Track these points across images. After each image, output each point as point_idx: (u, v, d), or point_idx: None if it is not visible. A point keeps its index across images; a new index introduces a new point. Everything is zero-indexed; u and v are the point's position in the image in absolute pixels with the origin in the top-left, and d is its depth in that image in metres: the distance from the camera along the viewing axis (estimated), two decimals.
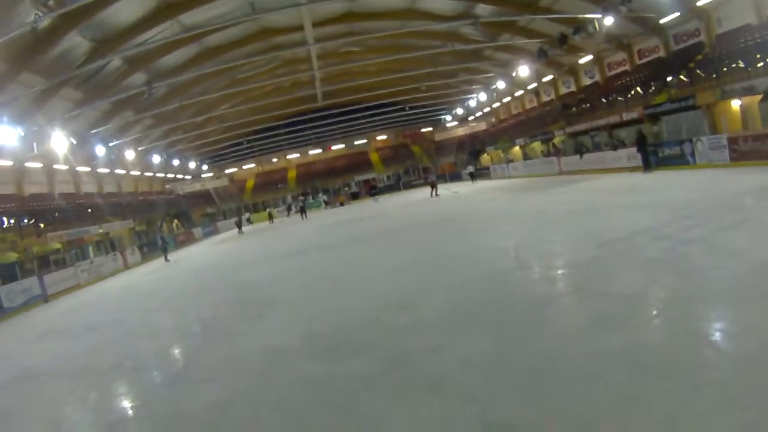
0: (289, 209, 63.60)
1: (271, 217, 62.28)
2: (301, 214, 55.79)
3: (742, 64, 29.92)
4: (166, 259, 35.66)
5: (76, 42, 32.56)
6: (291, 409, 6.32)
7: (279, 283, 16.13)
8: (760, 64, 28.67)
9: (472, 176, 55.95)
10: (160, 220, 63.06)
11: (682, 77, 35.13)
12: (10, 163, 42.36)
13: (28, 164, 44.61)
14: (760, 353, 5.26)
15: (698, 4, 36.10)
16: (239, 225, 54.52)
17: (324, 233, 31.10)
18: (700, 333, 6.21)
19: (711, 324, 6.58)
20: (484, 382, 5.86)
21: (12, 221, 38.69)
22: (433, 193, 43.88)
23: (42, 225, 41.15)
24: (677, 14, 38.04)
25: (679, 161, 26.93)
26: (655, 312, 7.19)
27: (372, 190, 50.61)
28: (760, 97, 28.36)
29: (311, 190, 79.38)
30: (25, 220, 40.26)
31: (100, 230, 47.97)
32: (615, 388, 5.13)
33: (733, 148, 23.37)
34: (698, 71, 33.88)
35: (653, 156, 28.92)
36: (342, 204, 67.81)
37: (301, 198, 68.95)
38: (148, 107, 45.34)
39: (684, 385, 4.95)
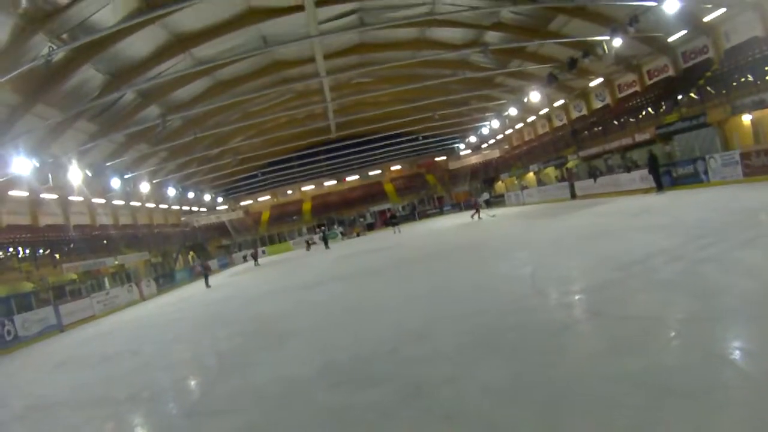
0: (308, 244, 62.86)
1: (308, 245, 61.79)
2: (325, 244, 55.70)
3: (751, 78, 29.95)
4: (207, 285, 35.53)
5: (90, 75, 32.92)
6: None
7: (296, 314, 16.05)
8: None
9: (488, 203, 55.64)
10: (176, 252, 63.16)
11: (692, 95, 35.21)
12: (25, 194, 42.84)
13: (44, 195, 45.11)
14: None
15: (705, 20, 36.41)
16: (255, 257, 54.52)
17: (341, 264, 31.05)
18: (719, 353, 6.12)
19: (729, 344, 6.48)
20: (502, 411, 5.82)
21: (27, 251, 38.90)
22: (476, 216, 43.69)
23: (57, 255, 41.36)
24: (685, 32, 38.40)
25: (693, 180, 26.97)
26: (672, 334, 7.11)
27: (391, 219, 50.18)
28: None
29: (327, 221, 79.29)
30: (41, 251, 40.48)
31: (116, 262, 48.13)
32: (634, 412, 5.06)
33: (746, 163, 23.41)
34: (708, 88, 33.99)
35: (667, 176, 28.89)
36: (358, 235, 67.93)
37: (323, 228, 68.95)
38: (162, 140, 45.76)
39: (704, 406, 4.90)
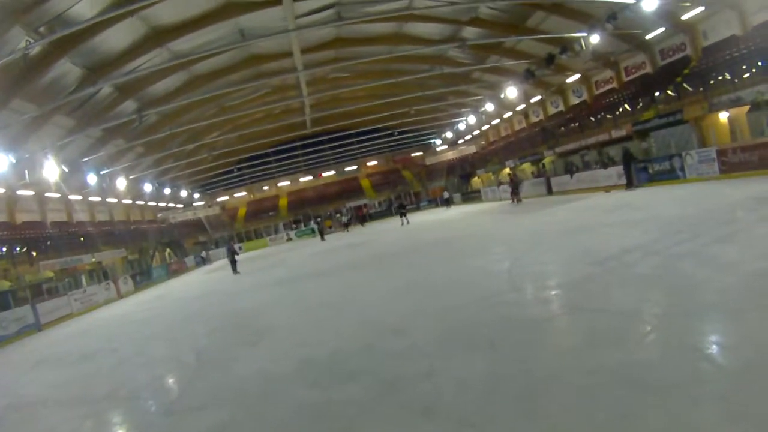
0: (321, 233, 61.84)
1: (321, 233, 58.02)
2: (321, 236, 55.34)
3: (728, 76, 30.08)
4: (234, 271, 34.33)
5: (68, 69, 32.62)
6: None
7: (273, 310, 16.13)
8: (746, 75, 28.90)
9: (447, 202, 55.38)
10: (152, 249, 62.86)
11: (669, 92, 35.30)
12: (2, 190, 42.40)
13: (20, 192, 44.64)
14: (757, 364, 5.29)
15: (683, 18, 36.46)
16: (232, 259, 52.67)
17: (317, 260, 31.02)
18: (696, 347, 6.20)
19: (706, 337, 6.60)
20: (479, 405, 5.86)
21: (4, 249, 38.53)
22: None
23: (34, 253, 40.94)
24: (663, 29, 38.43)
25: (670, 176, 27.12)
26: (649, 328, 7.21)
27: (400, 209, 49.40)
28: (747, 108, 28.46)
29: (303, 217, 79.18)
30: (18, 248, 40.06)
31: (93, 259, 47.78)
32: (611, 405, 5.14)
33: (723, 160, 23.57)
34: (685, 85, 34.06)
35: (643, 172, 29.03)
36: (330, 228, 67.44)
37: (318, 219, 68.48)
38: (138, 135, 45.43)
39: (681, 399, 4.97)
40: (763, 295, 7.26)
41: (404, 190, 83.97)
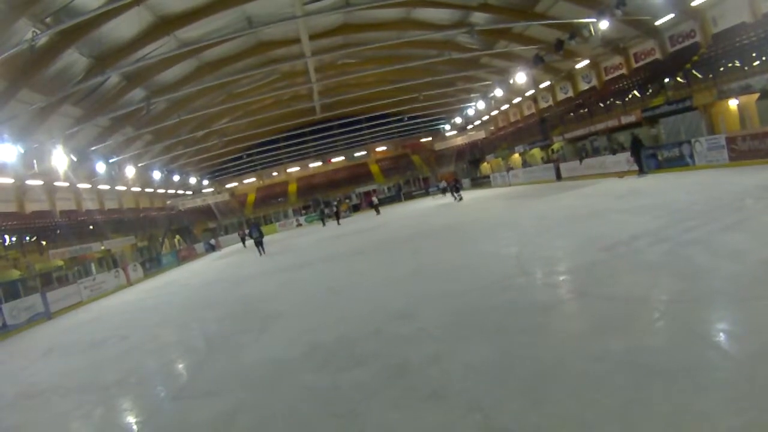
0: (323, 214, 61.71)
1: (338, 216, 58.39)
2: (337, 219, 55.61)
3: (738, 63, 30.01)
4: (261, 251, 34.24)
5: (75, 59, 32.68)
6: (296, 419, 6.34)
7: (282, 296, 16.16)
8: (756, 63, 28.80)
9: (445, 191, 54.97)
10: (161, 236, 62.95)
11: (678, 79, 35.18)
12: (11, 180, 42.55)
13: (29, 182, 44.82)
14: (764, 352, 5.28)
15: (693, 4, 36.39)
16: (243, 239, 54.13)
17: (326, 245, 31.10)
18: (703, 334, 6.20)
19: (714, 325, 6.57)
20: (487, 389, 5.87)
21: (14, 239, 38.64)
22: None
23: (44, 242, 41.07)
24: (672, 16, 38.36)
25: (679, 163, 26.94)
26: (657, 314, 7.18)
27: (456, 185, 48.85)
28: (757, 95, 28.34)
29: (312, 202, 79.13)
30: (27, 238, 40.16)
31: (102, 247, 47.95)
32: (618, 391, 5.12)
33: (732, 147, 23.37)
34: (695, 72, 33.96)
35: (652, 159, 28.92)
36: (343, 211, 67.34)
37: (335, 203, 68.31)
38: (147, 123, 45.46)
39: (687, 386, 4.95)
40: None
41: (413, 175, 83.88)
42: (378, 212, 52.41)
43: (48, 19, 26.84)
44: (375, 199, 58.87)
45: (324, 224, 54.13)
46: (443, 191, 50.93)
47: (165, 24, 34.05)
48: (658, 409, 4.68)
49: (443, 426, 5.35)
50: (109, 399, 9.23)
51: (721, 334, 6.23)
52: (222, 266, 35.63)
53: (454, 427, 5.27)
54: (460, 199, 43.08)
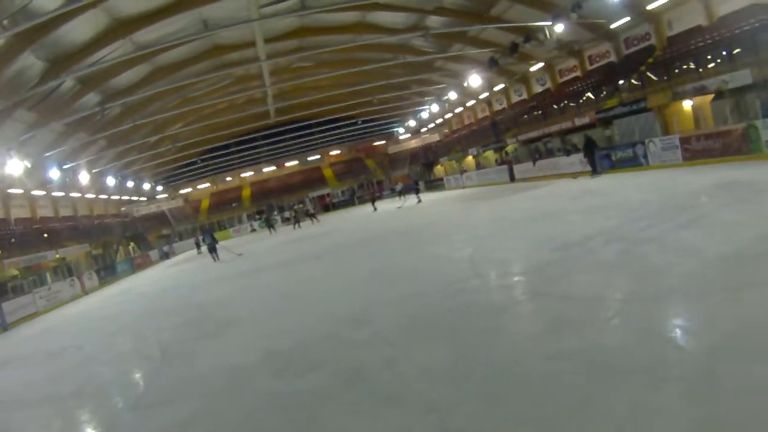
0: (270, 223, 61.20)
1: (297, 220, 56.66)
2: (297, 224, 54.52)
3: (693, 66, 30.47)
4: (215, 257, 33.98)
5: (30, 62, 32.13)
6: (253, 426, 6.36)
7: (237, 302, 16.16)
8: (711, 65, 29.31)
9: (401, 194, 54.90)
10: (116, 243, 62.40)
11: (633, 81, 35.65)
12: None
13: None
14: (719, 347, 5.37)
15: (649, 7, 36.84)
16: (197, 245, 53.59)
17: (280, 251, 31.01)
18: (659, 331, 6.29)
19: (669, 322, 6.67)
20: (443, 392, 5.90)
21: None
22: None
23: None
24: (628, 19, 38.73)
25: (633, 163, 27.31)
26: (612, 313, 7.28)
27: (416, 185, 48.75)
28: (711, 96, 28.73)
29: (267, 207, 78.85)
30: None
31: (57, 255, 47.35)
32: (575, 390, 5.17)
33: (686, 147, 23.76)
34: (649, 74, 34.48)
35: (606, 159, 29.19)
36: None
37: (300, 205, 68.10)
38: (101, 128, 44.93)
39: (644, 382, 5.00)
40: (725, 279, 7.38)
41: (367, 179, 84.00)
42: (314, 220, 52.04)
43: (4, 22, 26.42)
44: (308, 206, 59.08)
45: (270, 232, 53.60)
46: (400, 194, 50.88)
47: (121, 26, 33.62)
48: (615, 406, 4.73)
49: (400, 429, 5.37)
50: (67, 411, 9.19)
51: (677, 330, 6.33)
52: (177, 273, 35.39)
53: (410, 430, 5.28)
54: (419, 201, 43.22)
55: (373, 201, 49.75)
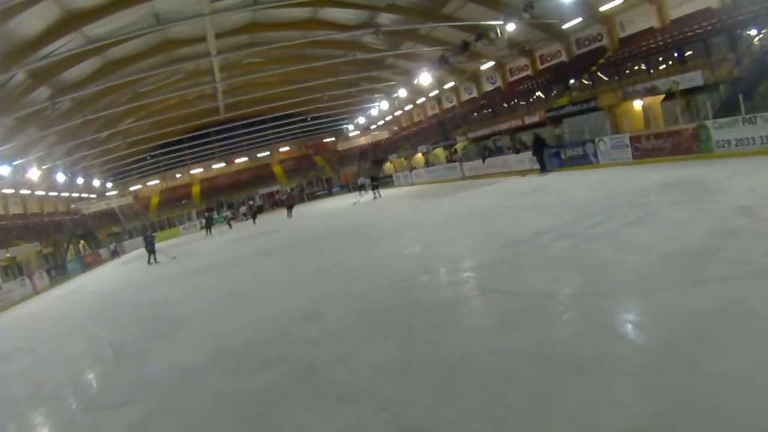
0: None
1: (254, 216, 56.87)
2: (252, 219, 54.50)
3: (644, 67, 30.85)
4: (153, 261, 33.18)
5: None
6: (206, 426, 6.36)
7: (188, 301, 16.03)
8: (662, 66, 29.72)
9: (361, 189, 54.10)
10: (66, 241, 61.56)
11: (584, 81, 35.92)
12: None
13: None
14: (669, 341, 5.50)
15: (601, 9, 37.20)
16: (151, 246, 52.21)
17: (230, 248, 31.04)
18: (609, 326, 6.44)
19: (620, 316, 6.83)
20: (395, 388, 5.96)
21: None
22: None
23: None
24: (580, 20, 38.96)
25: (582, 161, 27.53)
26: (562, 308, 7.42)
27: (373, 181, 48.00)
28: (662, 96, 29.03)
29: (215, 205, 78.31)
30: None
31: (7, 254, 46.58)
32: (527, 385, 5.26)
33: (636, 146, 24.06)
34: (600, 74, 34.84)
35: (556, 158, 29.40)
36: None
37: (251, 202, 67.80)
38: (51, 123, 44.26)
39: (595, 377, 5.11)
40: (674, 275, 7.56)
41: (316, 176, 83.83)
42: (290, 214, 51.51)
43: None
44: (282, 199, 58.65)
45: (206, 234, 52.89)
46: (360, 188, 50.46)
47: (72, 19, 33.06)
48: (568, 400, 4.82)
49: (354, 426, 5.41)
50: (20, 414, 9.07)
51: (628, 324, 6.50)
52: (128, 272, 34.83)
53: (364, 427, 5.34)
54: (375, 197, 43.19)
55: (289, 207, 49.10)
